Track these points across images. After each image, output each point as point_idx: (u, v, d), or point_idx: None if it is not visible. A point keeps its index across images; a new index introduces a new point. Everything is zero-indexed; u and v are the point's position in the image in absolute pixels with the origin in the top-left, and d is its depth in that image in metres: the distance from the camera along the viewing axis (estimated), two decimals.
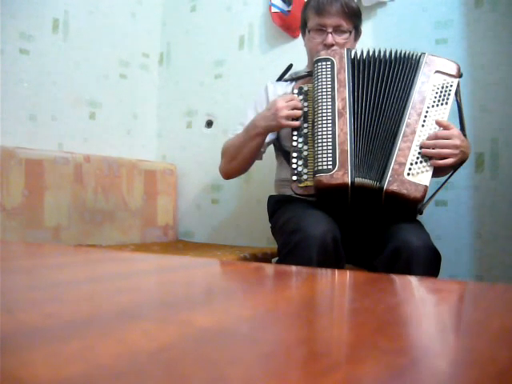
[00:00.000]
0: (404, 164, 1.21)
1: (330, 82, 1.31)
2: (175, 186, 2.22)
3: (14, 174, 1.59)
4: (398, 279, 0.54)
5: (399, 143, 1.23)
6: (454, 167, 1.28)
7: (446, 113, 1.26)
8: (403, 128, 1.24)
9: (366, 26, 1.86)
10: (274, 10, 1.96)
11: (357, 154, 1.26)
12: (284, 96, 1.38)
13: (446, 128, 1.24)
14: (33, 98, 1.82)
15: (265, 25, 2.08)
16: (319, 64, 1.34)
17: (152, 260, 0.69)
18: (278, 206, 1.47)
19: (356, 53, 1.35)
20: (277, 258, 1.28)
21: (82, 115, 2.01)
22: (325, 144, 1.25)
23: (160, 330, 0.29)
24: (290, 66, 1.58)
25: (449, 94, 1.28)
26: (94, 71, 2.05)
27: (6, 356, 0.23)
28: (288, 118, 1.32)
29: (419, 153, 1.22)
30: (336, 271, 0.64)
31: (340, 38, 1.43)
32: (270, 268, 0.66)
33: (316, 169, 1.25)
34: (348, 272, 0.67)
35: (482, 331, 0.33)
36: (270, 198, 1.56)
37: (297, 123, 1.32)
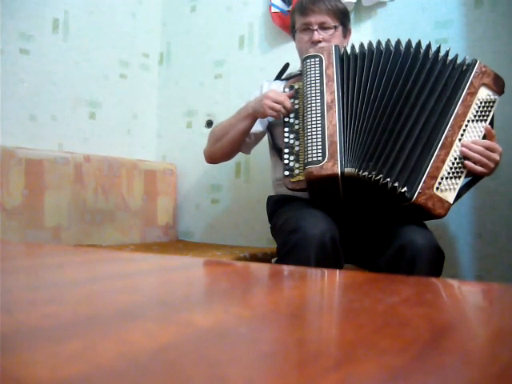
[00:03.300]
0: (436, 178, 1.19)
1: (318, 78, 1.31)
2: (175, 186, 2.22)
3: (14, 174, 1.59)
4: (397, 279, 0.54)
5: (435, 155, 1.19)
6: (471, 185, 1.28)
7: (483, 131, 1.24)
8: (442, 139, 1.20)
9: (366, 26, 1.86)
10: (274, 10, 1.96)
11: (348, 145, 1.25)
12: (278, 91, 1.40)
13: (492, 139, 1.22)
14: (33, 97, 1.82)
15: (265, 25, 2.08)
16: (308, 61, 1.35)
17: (152, 260, 0.69)
18: (277, 206, 1.48)
19: (345, 48, 1.36)
20: (276, 258, 1.28)
21: (82, 115, 2.01)
22: (314, 136, 1.26)
23: (160, 330, 0.29)
24: (287, 65, 1.60)
25: (489, 111, 1.25)
26: (93, 71, 2.05)
27: (5, 356, 0.23)
28: (272, 108, 1.34)
29: (451, 167, 1.20)
30: (335, 271, 0.64)
31: (326, 34, 1.46)
32: (269, 268, 0.66)
33: (306, 161, 1.25)
34: (347, 272, 0.67)
35: (482, 331, 0.33)
36: (269, 198, 1.57)
37: (276, 116, 1.35)
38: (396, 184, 1.19)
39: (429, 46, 1.29)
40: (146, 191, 2.06)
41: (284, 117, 1.35)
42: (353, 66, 1.32)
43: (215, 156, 1.58)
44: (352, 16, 1.89)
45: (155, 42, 2.37)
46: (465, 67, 1.27)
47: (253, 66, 2.10)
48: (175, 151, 2.30)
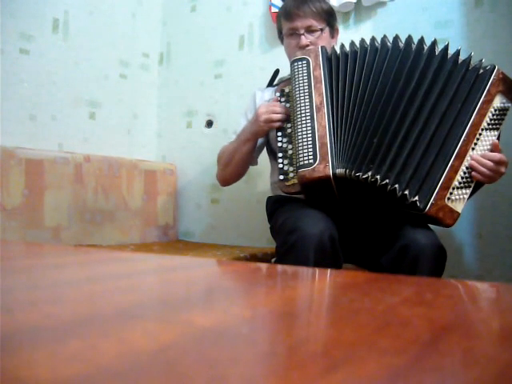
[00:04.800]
0: (448, 188, 1.17)
1: (306, 80, 1.30)
2: (175, 185, 2.22)
3: (14, 173, 1.59)
4: (397, 279, 0.54)
5: (449, 166, 1.17)
6: (473, 192, 1.25)
7: (494, 139, 1.20)
8: (457, 149, 1.17)
9: (366, 26, 1.86)
10: (274, 9, 1.96)
11: (340, 145, 1.23)
12: (266, 103, 1.40)
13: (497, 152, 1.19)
14: (33, 97, 1.82)
15: (265, 25, 2.08)
16: (295, 64, 1.34)
17: (152, 260, 0.69)
18: (276, 206, 1.48)
19: (334, 48, 1.35)
20: (275, 258, 1.28)
21: (82, 115, 2.01)
22: (305, 139, 1.25)
23: (160, 329, 0.29)
24: (277, 72, 1.60)
25: (502, 119, 1.21)
26: (93, 71, 2.05)
27: (5, 356, 0.23)
28: (267, 121, 1.34)
29: (462, 177, 1.18)
30: (335, 271, 0.64)
31: (313, 37, 1.45)
32: (269, 268, 0.66)
33: (298, 164, 1.25)
34: (347, 272, 0.67)
35: (482, 331, 0.33)
36: (269, 198, 1.57)
37: (276, 125, 1.34)
38: (406, 192, 1.16)
39: (434, 43, 1.23)
40: (146, 191, 2.06)
41: (282, 122, 1.34)
42: (342, 65, 1.29)
43: (229, 180, 1.60)
44: (352, 16, 1.89)
45: (155, 42, 2.37)
46: (481, 71, 1.21)
47: (253, 66, 2.10)
48: (175, 151, 2.30)
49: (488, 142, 1.20)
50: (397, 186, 1.16)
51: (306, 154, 1.24)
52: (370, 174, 1.17)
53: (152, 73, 2.35)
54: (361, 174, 1.18)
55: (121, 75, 2.17)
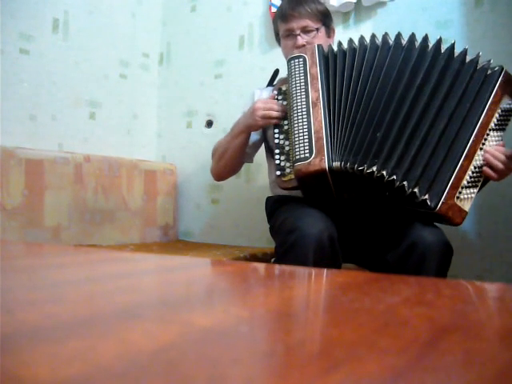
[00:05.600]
0: (457, 187, 1.18)
1: (302, 77, 1.31)
2: (175, 185, 2.22)
3: (14, 173, 1.59)
4: (397, 279, 0.54)
5: (459, 165, 1.17)
6: (478, 191, 1.25)
7: (499, 140, 1.21)
8: (466, 149, 1.18)
9: (366, 26, 1.86)
10: (274, 9, 1.96)
11: (337, 139, 1.23)
12: (265, 99, 1.41)
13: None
14: (33, 97, 1.82)
15: (265, 25, 2.08)
16: (292, 62, 1.35)
17: (152, 260, 0.69)
18: (275, 206, 1.48)
19: (331, 46, 1.35)
20: (274, 258, 1.28)
21: (82, 115, 2.01)
22: (301, 134, 1.25)
23: (160, 330, 0.29)
24: (277, 71, 1.61)
25: (508, 120, 1.22)
26: (93, 71, 2.05)
27: (6, 356, 0.23)
28: (264, 117, 1.34)
29: (470, 177, 1.19)
30: (335, 271, 0.64)
31: (309, 37, 1.47)
32: (269, 268, 0.66)
33: (294, 159, 1.25)
34: (347, 272, 0.67)
35: (482, 331, 0.33)
36: (268, 199, 1.57)
37: (273, 121, 1.34)
38: (416, 190, 1.15)
39: (440, 41, 1.23)
40: (146, 191, 2.06)
41: (279, 119, 1.34)
42: (340, 62, 1.30)
43: (222, 174, 1.61)
44: (352, 16, 1.89)
45: (155, 42, 2.37)
46: (489, 72, 1.22)
47: (253, 66, 2.10)
48: (175, 151, 2.30)
49: (495, 143, 1.21)
50: (405, 183, 1.15)
51: (302, 149, 1.24)
52: (374, 168, 1.16)
53: (152, 73, 2.35)
54: (364, 168, 1.17)
55: (121, 75, 2.17)
